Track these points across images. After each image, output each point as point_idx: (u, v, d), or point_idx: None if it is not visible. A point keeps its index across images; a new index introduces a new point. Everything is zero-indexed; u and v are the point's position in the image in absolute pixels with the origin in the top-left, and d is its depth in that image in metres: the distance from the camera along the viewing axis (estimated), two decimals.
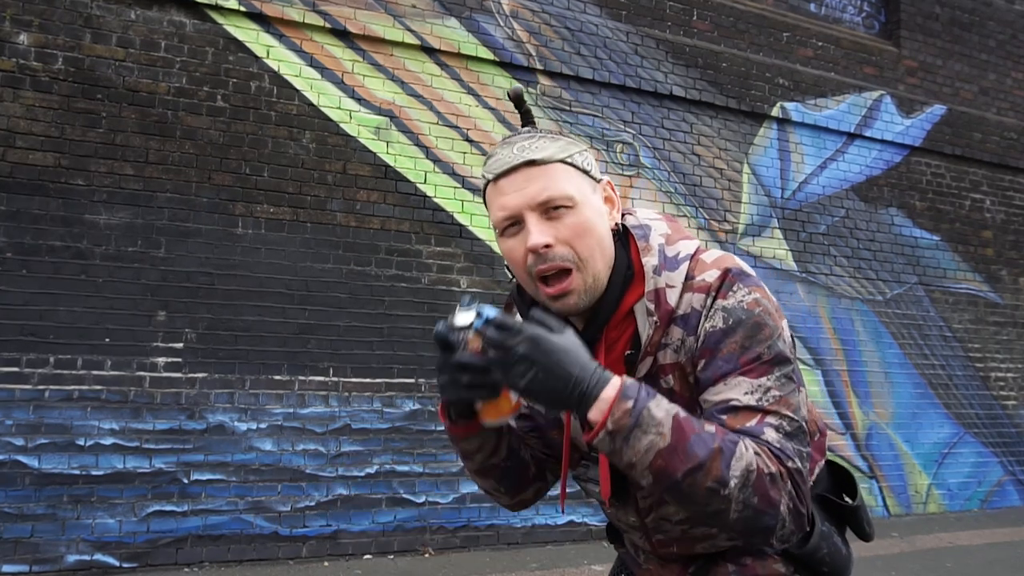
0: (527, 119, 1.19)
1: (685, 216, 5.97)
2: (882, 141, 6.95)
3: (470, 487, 4.92)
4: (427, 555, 4.68)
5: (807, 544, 1.15)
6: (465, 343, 1.03)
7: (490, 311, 1.00)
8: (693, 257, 1.11)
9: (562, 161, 1.09)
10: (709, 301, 1.06)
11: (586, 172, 1.12)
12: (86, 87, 4.32)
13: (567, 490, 1.35)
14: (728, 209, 6.18)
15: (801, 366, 6.20)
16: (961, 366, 7.07)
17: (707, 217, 6.07)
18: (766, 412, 1.01)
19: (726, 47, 6.31)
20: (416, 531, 4.74)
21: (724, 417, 1.02)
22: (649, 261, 1.11)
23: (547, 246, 1.05)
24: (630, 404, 0.96)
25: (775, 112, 6.42)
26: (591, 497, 1.29)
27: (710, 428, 0.98)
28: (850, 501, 1.29)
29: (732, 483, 0.95)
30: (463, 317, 1.04)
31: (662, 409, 0.97)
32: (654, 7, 6.03)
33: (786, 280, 6.33)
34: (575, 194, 1.08)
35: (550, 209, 1.07)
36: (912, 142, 7.08)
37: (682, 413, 0.98)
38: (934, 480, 6.73)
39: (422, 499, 4.79)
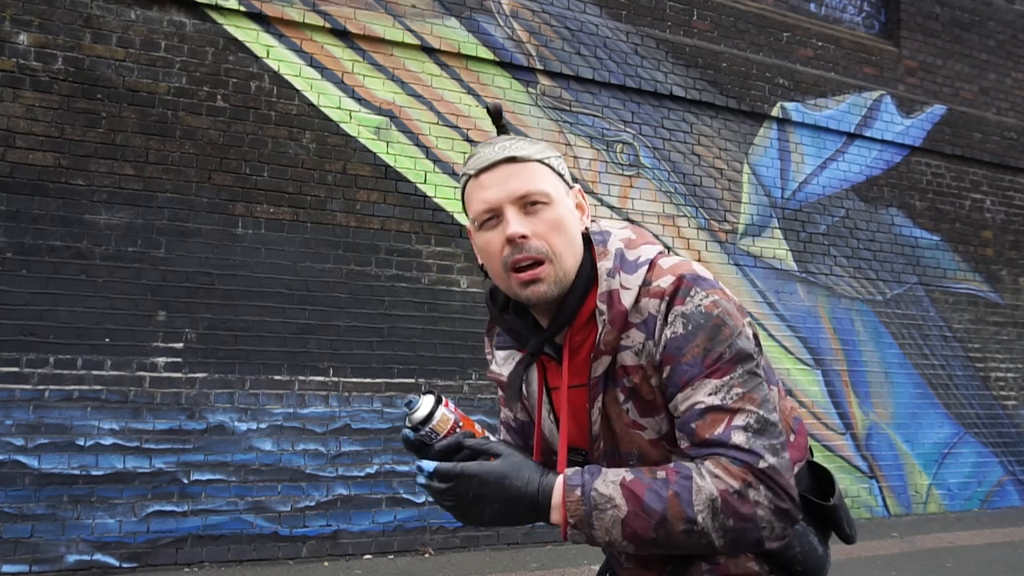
0: (502, 133, 1.23)
1: (685, 216, 5.98)
2: (882, 141, 6.95)
3: None
4: (427, 555, 4.69)
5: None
6: (434, 433, 1.11)
7: (428, 465, 1.07)
8: (652, 262, 1.14)
9: (540, 161, 1.15)
10: (664, 307, 1.09)
11: (560, 175, 1.18)
12: (86, 87, 4.33)
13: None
14: (728, 209, 6.18)
15: (801, 366, 6.22)
16: (961, 366, 7.07)
17: (707, 217, 6.07)
18: (732, 412, 1.04)
19: (726, 47, 6.31)
20: (416, 531, 4.74)
21: (694, 425, 1.05)
22: (603, 264, 1.14)
23: (523, 236, 1.10)
24: (578, 492, 1.03)
25: (775, 112, 6.42)
26: None
27: (660, 475, 1.03)
28: (830, 500, 1.28)
29: (700, 517, 0.99)
30: (420, 411, 1.10)
31: (608, 483, 1.03)
32: (654, 7, 6.03)
33: (786, 280, 6.34)
34: (551, 191, 1.14)
35: (528, 204, 1.12)
36: (912, 142, 7.09)
37: (628, 476, 1.04)
38: (934, 480, 6.73)
39: (422, 499, 4.79)
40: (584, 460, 1.22)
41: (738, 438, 1.02)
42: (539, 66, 5.47)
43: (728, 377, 1.05)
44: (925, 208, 7.17)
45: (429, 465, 1.07)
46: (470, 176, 1.17)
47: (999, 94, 7.75)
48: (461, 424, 1.12)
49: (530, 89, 5.48)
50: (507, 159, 1.13)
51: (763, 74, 6.40)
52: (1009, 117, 7.75)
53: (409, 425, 1.10)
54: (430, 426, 1.09)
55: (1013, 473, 7.16)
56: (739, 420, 1.03)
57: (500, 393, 1.41)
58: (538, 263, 1.11)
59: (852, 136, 6.81)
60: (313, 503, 4.53)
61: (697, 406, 1.05)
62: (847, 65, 6.89)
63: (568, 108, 5.61)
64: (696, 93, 6.07)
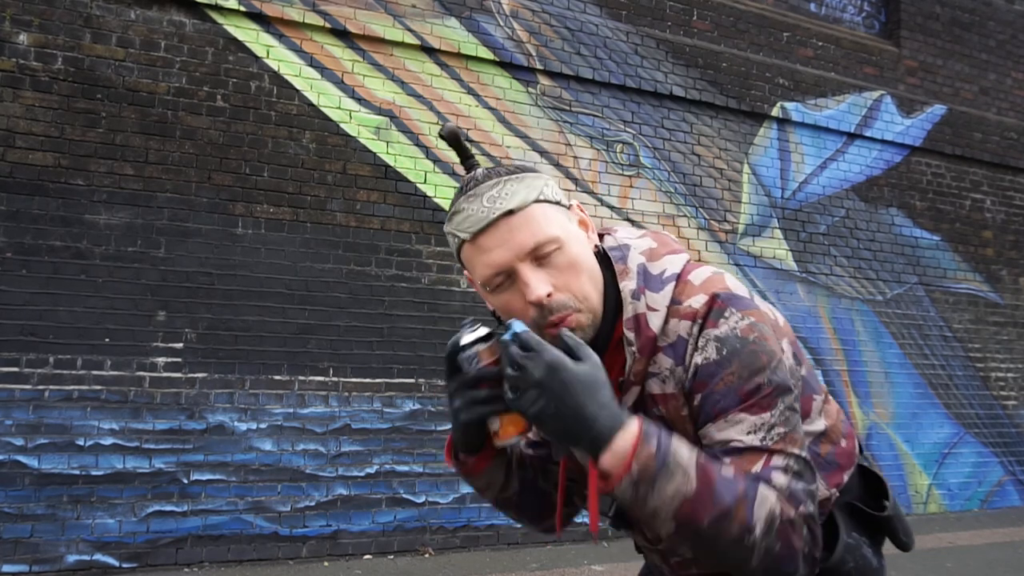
0: (465, 157, 1.12)
1: (685, 216, 5.98)
2: (882, 141, 6.95)
3: (470, 487, 4.92)
4: (427, 555, 4.69)
5: (831, 558, 1.08)
6: (477, 358, 1.00)
7: (519, 326, 0.96)
8: (680, 278, 1.05)
9: (536, 201, 1.03)
10: (696, 330, 1.00)
11: (558, 203, 1.06)
12: (86, 87, 4.33)
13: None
14: (728, 209, 6.18)
15: None
16: (961, 366, 7.07)
17: (707, 217, 6.07)
18: (772, 452, 0.95)
19: (726, 47, 6.31)
20: (416, 531, 4.74)
21: (727, 460, 0.95)
22: (627, 285, 1.04)
23: (548, 295, 1.00)
24: (653, 447, 0.90)
25: (775, 112, 6.42)
26: (616, 527, 1.25)
27: (728, 472, 0.93)
28: (885, 509, 1.21)
29: (757, 529, 0.90)
30: (470, 335, 1.01)
31: (685, 451, 0.92)
32: (654, 7, 6.03)
33: (786, 280, 6.34)
34: (559, 233, 1.02)
35: (540, 256, 1.01)
36: (912, 142, 7.08)
37: (702, 457, 0.93)
38: (934, 480, 6.73)
39: (422, 499, 4.79)
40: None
41: (778, 479, 0.94)
42: (539, 66, 5.47)
43: (767, 414, 0.96)
44: (925, 208, 7.17)
45: (519, 326, 0.95)
46: (464, 240, 1.04)
47: (999, 94, 7.75)
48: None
49: (530, 89, 5.48)
50: (504, 214, 1.01)
51: (763, 74, 6.40)
52: (1009, 117, 7.74)
53: (455, 341, 1.01)
54: (476, 352, 0.99)
55: (1013, 473, 7.16)
56: (778, 461, 0.95)
57: None
58: (568, 315, 1.01)
59: (852, 136, 6.81)
60: (313, 503, 4.53)
61: (733, 443, 0.96)
62: (847, 65, 6.89)
63: (568, 108, 5.61)
64: (696, 93, 6.07)
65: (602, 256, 1.09)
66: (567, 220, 1.06)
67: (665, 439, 0.92)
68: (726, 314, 1.00)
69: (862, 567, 1.13)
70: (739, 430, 0.96)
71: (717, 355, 0.98)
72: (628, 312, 1.03)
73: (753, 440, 0.95)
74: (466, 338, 1.01)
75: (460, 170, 5.21)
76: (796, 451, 0.96)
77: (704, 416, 0.99)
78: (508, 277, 1.02)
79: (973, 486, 6.92)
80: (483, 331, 1.01)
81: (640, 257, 1.07)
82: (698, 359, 0.99)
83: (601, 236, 1.14)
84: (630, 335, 1.02)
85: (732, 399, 0.96)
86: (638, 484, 0.90)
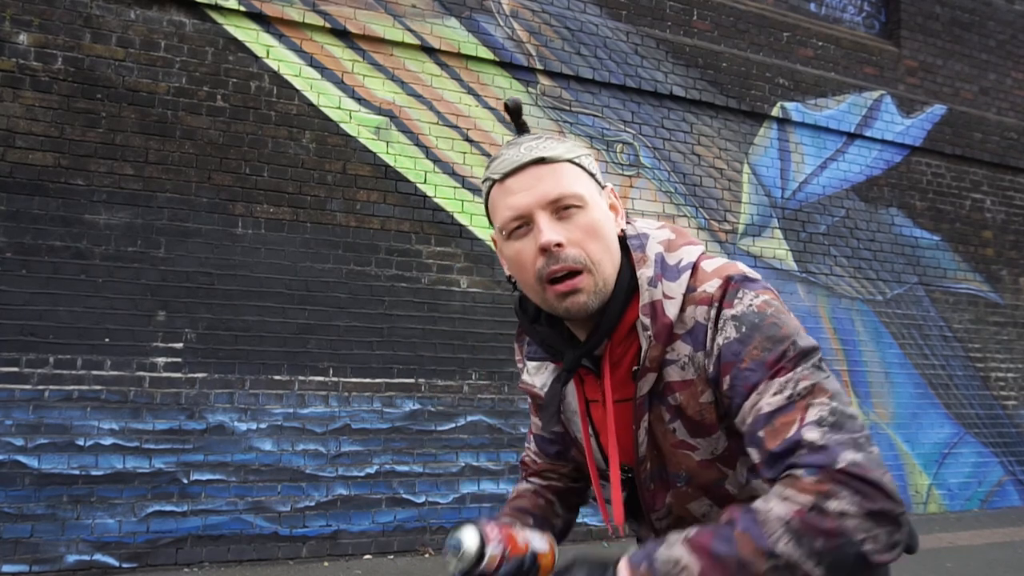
0: (522, 131, 1.13)
1: (685, 216, 5.98)
2: (882, 141, 6.95)
3: (470, 487, 4.92)
4: (427, 555, 4.69)
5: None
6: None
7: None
8: (695, 266, 1.06)
9: (571, 161, 1.05)
10: (714, 313, 1.01)
11: (593, 175, 1.08)
12: (86, 87, 4.33)
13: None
14: (728, 209, 6.18)
15: None
16: (961, 366, 7.07)
17: (707, 217, 6.07)
18: (803, 408, 0.92)
19: (726, 47, 6.31)
20: (416, 531, 4.74)
21: (762, 434, 0.93)
22: (644, 273, 1.05)
23: (559, 244, 1.01)
24: (643, 567, 0.91)
25: (775, 112, 6.42)
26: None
27: (725, 517, 0.92)
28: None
29: (780, 546, 0.85)
30: (466, 551, 1.03)
31: (671, 546, 0.91)
32: (654, 7, 6.03)
33: (786, 280, 6.33)
34: (585, 194, 1.04)
35: (561, 208, 1.02)
36: (912, 142, 7.08)
37: (693, 531, 0.92)
38: (934, 480, 6.73)
39: (422, 499, 4.79)
40: (631, 478, 1.16)
41: (812, 435, 0.89)
42: (539, 66, 5.47)
43: (793, 372, 0.94)
44: (925, 208, 7.16)
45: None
46: (495, 181, 1.06)
47: (999, 94, 7.74)
48: (508, 549, 1.04)
49: (530, 89, 5.48)
50: (535, 160, 1.03)
51: (763, 74, 6.40)
52: (1009, 117, 7.74)
53: (457, 571, 1.04)
54: (480, 569, 1.03)
55: (1013, 473, 7.16)
56: (812, 415, 0.91)
57: (531, 401, 1.32)
58: (576, 273, 1.02)
59: (852, 136, 6.81)
60: (313, 503, 4.53)
61: (763, 410, 0.94)
62: (847, 65, 6.89)
63: (568, 108, 5.60)
64: (696, 93, 6.07)
65: (622, 244, 1.10)
66: (598, 194, 1.08)
67: (651, 550, 0.92)
68: (740, 295, 1.01)
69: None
70: (768, 395, 0.94)
71: (737, 333, 0.99)
72: (645, 299, 1.04)
73: (780, 399, 0.93)
74: (466, 559, 1.03)
75: (459, 170, 5.21)
76: (826, 400, 0.92)
77: (738, 395, 0.98)
78: (526, 224, 1.03)
79: (973, 486, 6.92)
80: (473, 544, 1.03)
81: (658, 246, 1.08)
82: (720, 340, 0.99)
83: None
84: (646, 320, 1.03)
85: (760, 371, 0.96)
86: None
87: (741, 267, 1.05)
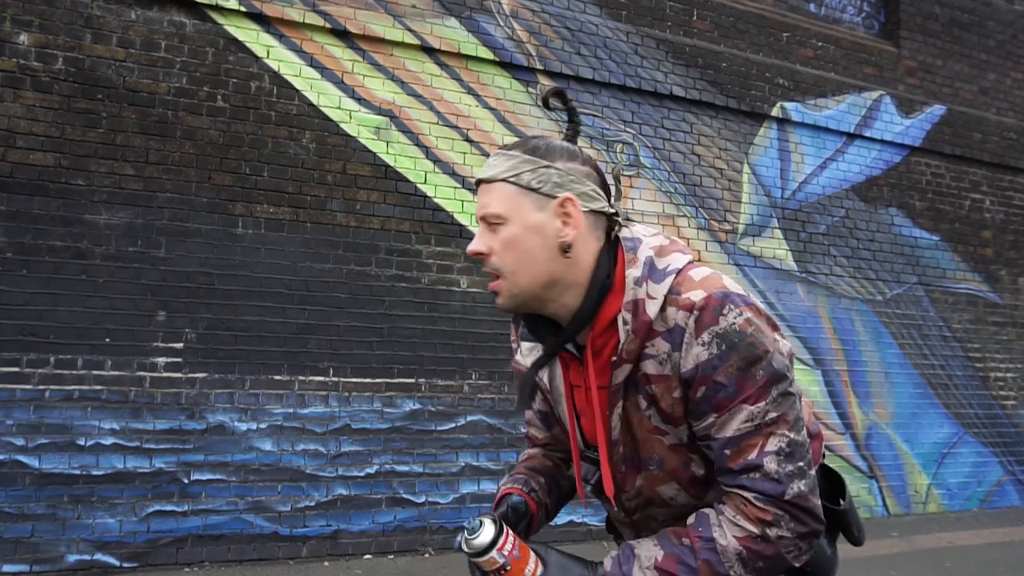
0: (572, 117, 1.25)
1: (685, 216, 5.98)
2: (882, 141, 6.95)
3: (470, 487, 4.92)
4: (427, 555, 4.68)
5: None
6: (477, 570, 1.16)
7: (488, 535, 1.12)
8: (680, 271, 1.14)
9: (504, 180, 1.15)
10: (692, 322, 1.09)
11: (534, 190, 1.14)
12: (86, 87, 4.32)
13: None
14: (728, 209, 6.18)
15: (801, 366, 6.22)
16: (961, 366, 7.07)
17: (707, 217, 6.07)
18: (765, 436, 1.07)
19: (726, 47, 6.31)
20: (416, 531, 4.74)
21: (728, 452, 1.08)
22: (631, 272, 1.14)
23: (479, 254, 1.16)
24: None
25: (775, 112, 6.42)
26: (595, 496, 1.36)
27: (686, 541, 1.09)
28: (841, 504, 1.35)
29: (733, 572, 1.06)
30: (479, 539, 1.13)
31: (644, 571, 1.08)
32: (654, 7, 6.03)
33: (786, 280, 6.33)
34: (504, 212, 1.14)
35: (489, 224, 1.16)
36: (912, 142, 7.08)
37: (660, 555, 1.09)
38: (934, 480, 6.73)
39: (422, 499, 4.79)
40: (611, 460, 1.24)
41: (769, 465, 1.06)
42: (539, 66, 5.47)
43: (763, 403, 1.07)
44: (925, 208, 7.16)
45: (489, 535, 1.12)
46: None
47: (999, 94, 7.74)
48: (509, 567, 1.13)
49: (530, 89, 5.48)
50: (480, 180, 1.19)
51: (763, 74, 6.40)
52: (1009, 117, 7.74)
53: (465, 549, 1.14)
54: (478, 560, 1.13)
55: (1012, 473, 7.16)
56: (771, 445, 1.06)
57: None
58: (496, 277, 1.16)
59: (852, 136, 6.81)
60: (313, 503, 4.53)
61: (730, 434, 1.08)
62: (847, 65, 6.89)
63: None
64: (696, 93, 6.06)
65: (611, 245, 1.19)
66: (531, 207, 1.14)
67: (626, 569, 1.09)
68: (724, 311, 1.08)
69: (819, 555, 1.27)
70: (738, 420, 1.07)
71: (718, 350, 1.07)
72: (628, 296, 1.13)
73: (748, 427, 1.07)
74: (475, 543, 1.13)
75: (459, 170, 5.21)
76: (787, 432, 1.07)
77: (706, 405, 1.09)
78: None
79: (972, 486, 6.92)
80: (488, 534, 1.13)
81: (649, 251, 1.16)
82: (700, 352, 1.08)
83: (623, 224, 1.24)
84: (627, 316, 1.12)
85: (732, 388, 1.07)
86: None
87: (726, 281, 1.13)
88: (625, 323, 1.11)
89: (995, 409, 7.19)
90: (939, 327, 7.02)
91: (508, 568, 1.12)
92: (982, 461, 7.01)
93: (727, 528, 1.07)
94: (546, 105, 1.23)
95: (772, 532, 1.05)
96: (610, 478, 1.20)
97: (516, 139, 1.24)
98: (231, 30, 4.67)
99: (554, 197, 1.15)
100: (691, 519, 1.12)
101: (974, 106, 7.53)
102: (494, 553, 1.11)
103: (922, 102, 7.17)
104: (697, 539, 1.08)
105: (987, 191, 7.55)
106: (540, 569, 1.13)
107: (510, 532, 1.14)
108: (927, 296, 7.02)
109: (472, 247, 1.17)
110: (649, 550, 1.10)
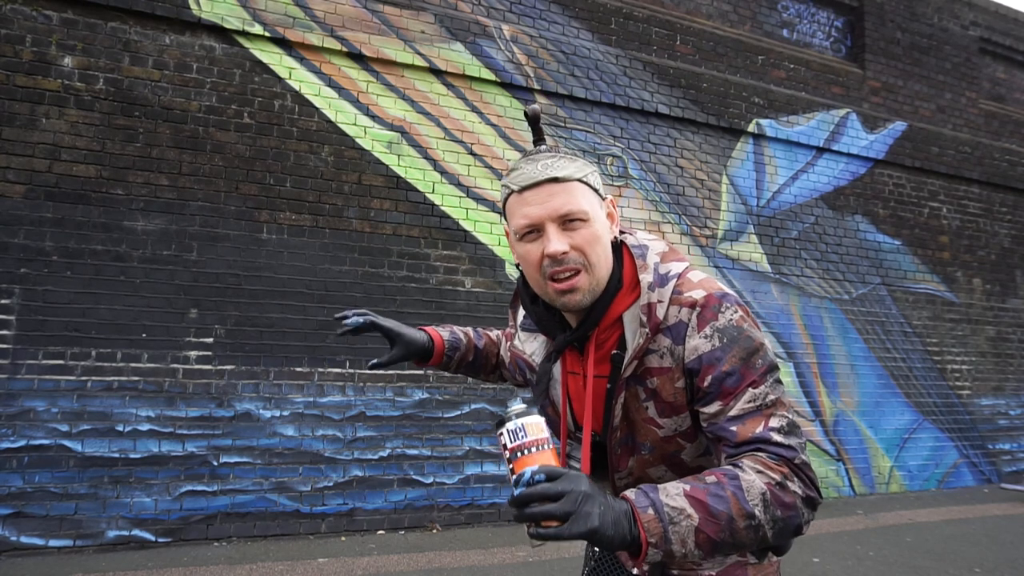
0: (539, 136, 1.21)
1: (669, 223, 5.98)
2: (848, 154, 6.95)
3: (474, 469, 4.93)
4: (435, 531, 4.69)
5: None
6: (524, 433, 0.99)
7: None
8: (681, 275, 1.15)
9: (580, 180, 1.13)
10: (695, 317, 1.10)
11: (596, 191, 1.16)
12: (125, 105, 4.33)
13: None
14: (708, 216, 6.18)
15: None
16: (920, 359, 7.08)
17: (689, 223, 6.07)
18: (768, 415, 1.07)
19: (706, 69, 6.31)
20: (425, 509, 4.75)
21: (735, 428, 1.06)
22: (645, 278, 1.15)
23: (564, 253, 1.10)
24: (651, 511, 0.96)
25: (751, 128, 6.43)
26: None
27: (711, 479, 1.00)
28: None
29: (757, 511, 0.99)
30: (513, 410, 1.00)
31: (674, 496, 0.98)
32: (641, 32, 6.03)
33: (761, 281, 6.34)
34: (589, 210, 1.12)
35: (567, 221, 1.11)
36: (876, 155, 7.09)
37: (687, 486, 0.99)
38: (895, 463, 6.74)
39: (430, 480, 4.80)
40: (598, 444, 1.24)
41: (776, 436, 1.05)
42: (536, 86, 5.48)
43: (763, 387, 1.08)
44: (887, 215, 7.17)
45: (534, 467, 0.95)
46: (513, 191, 1.14)
47: (954, 112, 7.75)
48: (536, 449, 0.97)
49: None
50: (550, 179, 1.11)
51: (740, 93, 6.40)
52: (963, 132, 7.75)
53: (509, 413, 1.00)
54: (522, 421, 0.98)
55: (967, 456, 7.17)
56: (774, 422, 1.06)
57: (508, 330, 1.52)
58: (575, 272, 1.11)
59: (821, 150, 6.81)
60: (331, 484, 4.54)
61: (736, 412, 1.07)
62: (816, 85, 6.90)
63: (563, 124, 5.61)
64: (679, 111, 6.07)
65: (616, 247, 1.20)
66: (598, 206, 1.16)
67: (656, 498, 0.97)
68: (722, 308, 1.11)
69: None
70: (742, 402, 1.07)
71: (720, 343, 1.09)
72: (644, 300, 1.14)
73: (751, 406, 1.07)
74: (513, 409, 1.00)
75: (464, 181, 5.21)
76: (785, 413, 1.08)
77: (713, 391, 1.09)
78: (537, 231, 1.12)
79: (931, 468, 6.93)
80: (523, 408, 1.00)
81: (656, 257, 1.19)
82: (703, 344, 1.09)
83: (621, 231, 1.25)
84: (643, 317, 1.13)
85: (736, 377, 1.08)
86: (659, 545, 0.96)
87: (718, 283, 1.16)
88: (642, 324, 1.12)
89: (951, 398, 7.20)
90: (900, 323, 7.03)
91: (530, 447, 0.97)
92: (939, 445, 7.01)
93: (752, 472, 1.01)
94: (533, 122, 1.20)
95: (790, 485, 1.01)
96: (588, 459, 1.19)
97: (523, 151, 1.21)
98: (256, 53, 4.67)
99: (604, 197, 1.19)
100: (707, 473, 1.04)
101: (932, 122, 7.54)
102: (536, 417, 0.98)
103: (885, 119, 7.18)
104: (723, 475, 1.01)
105: (944, 200, 7.56)
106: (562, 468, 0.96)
107: (548, 435, 1.00)
108: (889, 295, 7.03)
109: (555, 248, 1.09)
110: (674, 486, 0.99)
